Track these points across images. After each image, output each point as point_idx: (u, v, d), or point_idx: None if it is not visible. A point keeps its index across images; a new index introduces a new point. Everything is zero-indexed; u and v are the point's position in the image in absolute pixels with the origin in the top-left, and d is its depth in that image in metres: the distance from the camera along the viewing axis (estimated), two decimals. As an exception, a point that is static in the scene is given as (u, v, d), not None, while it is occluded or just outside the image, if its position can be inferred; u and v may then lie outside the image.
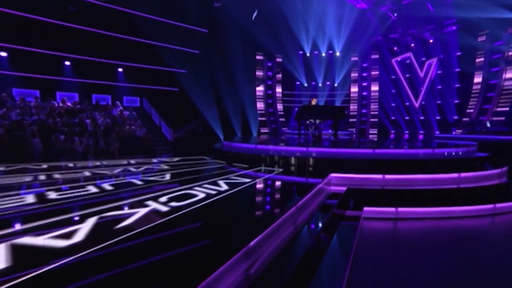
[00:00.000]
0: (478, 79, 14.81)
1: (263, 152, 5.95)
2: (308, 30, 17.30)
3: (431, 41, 15.55)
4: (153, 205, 3.19)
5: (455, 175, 4.63)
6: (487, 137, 10.01)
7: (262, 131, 17.93)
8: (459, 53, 15.66)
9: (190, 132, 15.49)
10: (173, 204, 3.22)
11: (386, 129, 18.10)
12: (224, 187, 4.00)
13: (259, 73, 18.45)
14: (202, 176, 5.02)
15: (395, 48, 16.89)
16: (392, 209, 3.97)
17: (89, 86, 14.07)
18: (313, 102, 9.83)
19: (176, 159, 7.93)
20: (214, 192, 3.72)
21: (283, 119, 18.64)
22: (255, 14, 15.74)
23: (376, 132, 17.53)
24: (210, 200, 3.37)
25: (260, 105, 18.40)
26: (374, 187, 4.46)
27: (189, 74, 16.31)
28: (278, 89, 18.77)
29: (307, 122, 9.48)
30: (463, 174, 4.63)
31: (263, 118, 18.29)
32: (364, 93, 18.46)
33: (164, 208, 3.05)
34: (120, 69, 15.03)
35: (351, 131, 17.68)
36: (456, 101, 15.98)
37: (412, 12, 15.13)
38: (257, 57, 18.34)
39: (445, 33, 15.21)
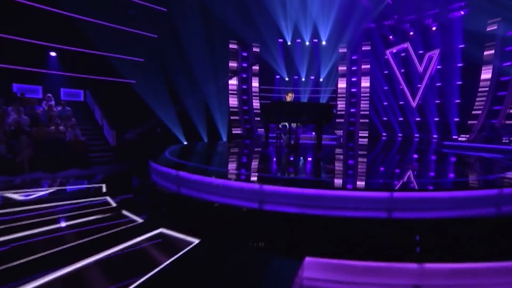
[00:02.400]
0: (486, 75, 12.60)
1: (185, 184, 3.29)
2: (289, 14, 14.64)
3: (434, 28, 13.20)
4: None
5: None
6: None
7: (234, 132, 15.25)
8: (462, 46, 13.42)
9: (145, 134, 12.63)
10: None
11: (377, 131, 15.81)
12: None
13: (233, 64, 15.72)
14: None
15: (391, 37, 14.49)
16: None
17: (7, 73, 10.90)
18: (289, 97, 7.20)
19: (45, 192, 5.06)
20: None
21: (259, 118, 15.96)
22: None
23: (366, 135, 15.16)
24: None
25: (233, 101, 15.69)
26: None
27: (146, 63, 13.36)
28: (255, 83, 16.09)
29: (280, 125, 6.89)
30: None
31: (236, 117, 15.60)
32: (353, 90, 16.04)
33: None
34: (52, 53, 11.90)
35: (338, 135, 15.24)
36: (458, 101, 13.78)
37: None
38: (231, 46, 15.60)
39: (450, 19, 12.89)
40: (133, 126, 12.45)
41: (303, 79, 16.29)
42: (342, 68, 16.02)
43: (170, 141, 12.41)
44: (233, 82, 15.71)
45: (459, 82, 13.71)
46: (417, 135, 14.83)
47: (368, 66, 15.51)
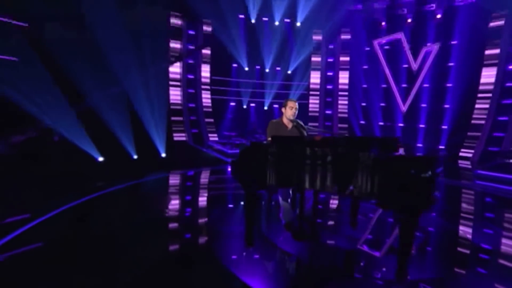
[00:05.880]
0: (488, 78, 10.51)
1: None
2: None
3: (438, 16, 10.62)
4: None
5: None
6: None
7: (176, 138, 11.16)
8: (455, 42, 11.19)
9: (30, 145, 7.99)
10: None
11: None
12: None
13: (175, 45, 11.46)
14: None
15: (383, 23, 11.61)
16: None
17: None
18: (291, 112, 3.72)
19: None
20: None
21: (211, 119, 12.11)
22: None
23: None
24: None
25: (175, 95, 11.51)
26: None
27: (36, 30, 8.36)
28: (205, 73, 12.07)
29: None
30: None
31: (179, 118, 11.47)
32: (329, 87, 13.06)
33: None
34: None
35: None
36: (447, 106, 11.61)
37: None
38: (172, 20, 11.29)
39: (456, 6, 10.45)
40: (7, 132, 7.73)
41: (267, 70, 12.75)
42: (315, 59, 12.86)
43: (75, 157, 7.94)
44: (175, 69, 11.48)
45: (450, 85, 11.53)
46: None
47: (348, 59, 12.61)
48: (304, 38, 11.99)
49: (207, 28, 11.89)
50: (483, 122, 10.30)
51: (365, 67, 12.76)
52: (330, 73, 12.93)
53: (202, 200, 6.09)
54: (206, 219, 4.60)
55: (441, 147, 11.60)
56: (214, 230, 4.05)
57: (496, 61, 10.28)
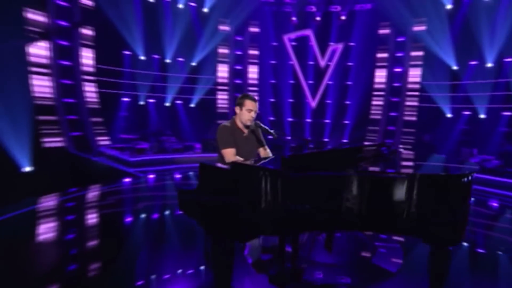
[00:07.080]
0: (380, 78, 11.68)
1: None
2: None
3: (343, 18, 11.00)
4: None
5: None
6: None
7: (48, 144, 8.27)
8: (353, 43, 12.02)
9: None
10: None
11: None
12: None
13: (35, 17, 8.39)
14: None
15: (294, 18, 11.34)
16: None
17: None
18: (247, 118, 2.80)
19: None
20: None
21: (99, 119, 9.57)
22: None
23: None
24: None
25: (41, 87, 8.50)
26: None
27: None
28: (87, 59, 9.41)
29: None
30: None
31: (51, 117, 8.55)
32: (237, 81, 12.21)
33: None
34: None
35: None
36: (348, 102, 12.43)
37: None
38: (32, -16, 8.20)
39: (356, 11, 11.07)
40: None
41: (168, 61, 10.93)
42: (223, 51, 11.79)
43: None
44: (38, 51, 8.42)
45: (350, 83, 12.35)
46: (309, 138, 12.78)
47: (257, 53, 12.04)
48: (212, 26, 10.72)
49: (87, 2, 9.23)
50: (379, 117, 11.37)
51: (273, 62, 12.45)
52: (238, 67, 12.08)
53: (114, 246, 3.57)
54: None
55: (344, 140, 12.34)
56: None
57: (385, 64, 11.47)
